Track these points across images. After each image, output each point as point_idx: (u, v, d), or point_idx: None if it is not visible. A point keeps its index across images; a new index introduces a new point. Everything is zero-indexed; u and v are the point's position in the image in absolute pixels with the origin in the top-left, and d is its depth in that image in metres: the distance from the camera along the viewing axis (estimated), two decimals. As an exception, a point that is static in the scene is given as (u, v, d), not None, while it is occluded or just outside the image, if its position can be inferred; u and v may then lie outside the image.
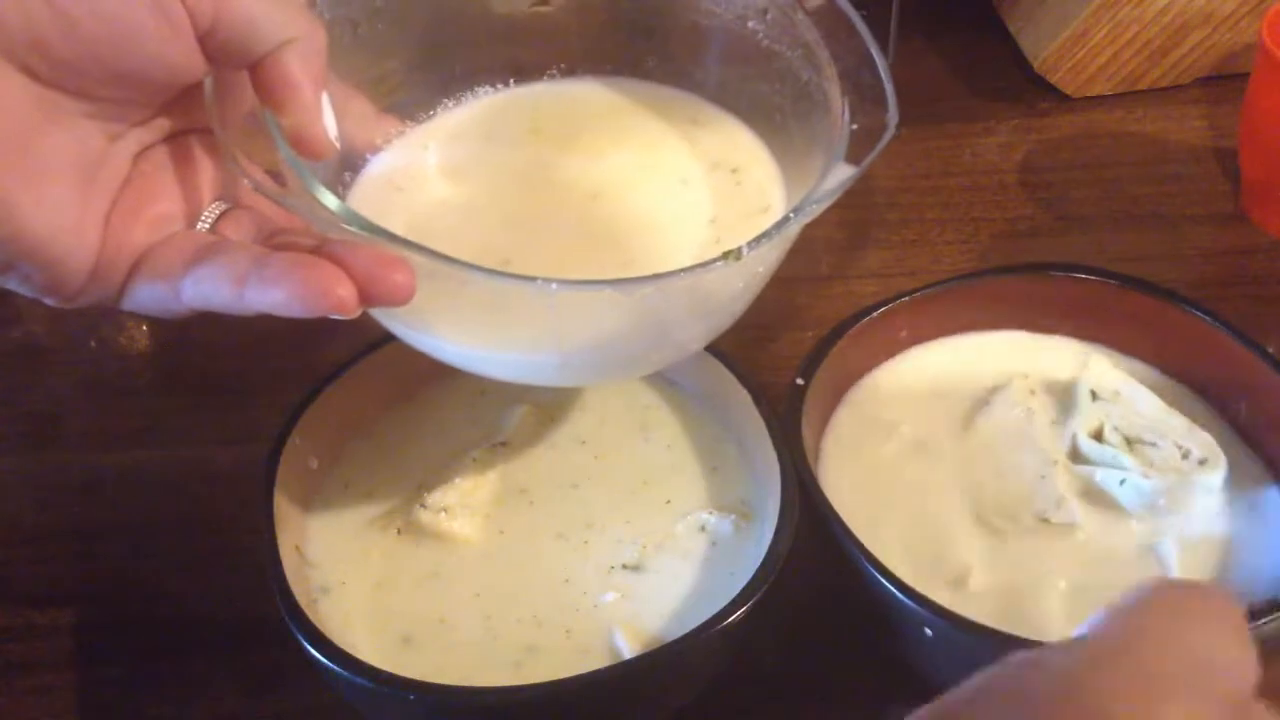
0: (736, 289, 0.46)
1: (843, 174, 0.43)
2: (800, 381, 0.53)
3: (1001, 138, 0.81)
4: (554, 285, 0.39)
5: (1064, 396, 0.56)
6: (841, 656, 0.53)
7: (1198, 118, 0.82)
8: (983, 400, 0.56)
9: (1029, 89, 0.84)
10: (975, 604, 0.48)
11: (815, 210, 0.42)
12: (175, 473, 0.63)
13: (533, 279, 0.39)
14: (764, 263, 0.45)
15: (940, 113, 0.83)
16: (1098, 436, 0.53)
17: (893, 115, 0.44)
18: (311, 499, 0.53)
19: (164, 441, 0.64)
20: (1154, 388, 0.55)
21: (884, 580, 0.45)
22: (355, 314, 0.38)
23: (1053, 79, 0.83)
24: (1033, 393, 0.56)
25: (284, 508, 0.49)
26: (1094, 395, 0.55)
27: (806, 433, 0.51)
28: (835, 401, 0.57)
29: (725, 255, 0.40)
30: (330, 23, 0.46)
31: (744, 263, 0.41)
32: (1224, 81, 0.83)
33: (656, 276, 0.41)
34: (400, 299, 0.38)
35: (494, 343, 0.45)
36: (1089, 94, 0.83)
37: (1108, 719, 0.26)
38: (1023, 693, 0.27)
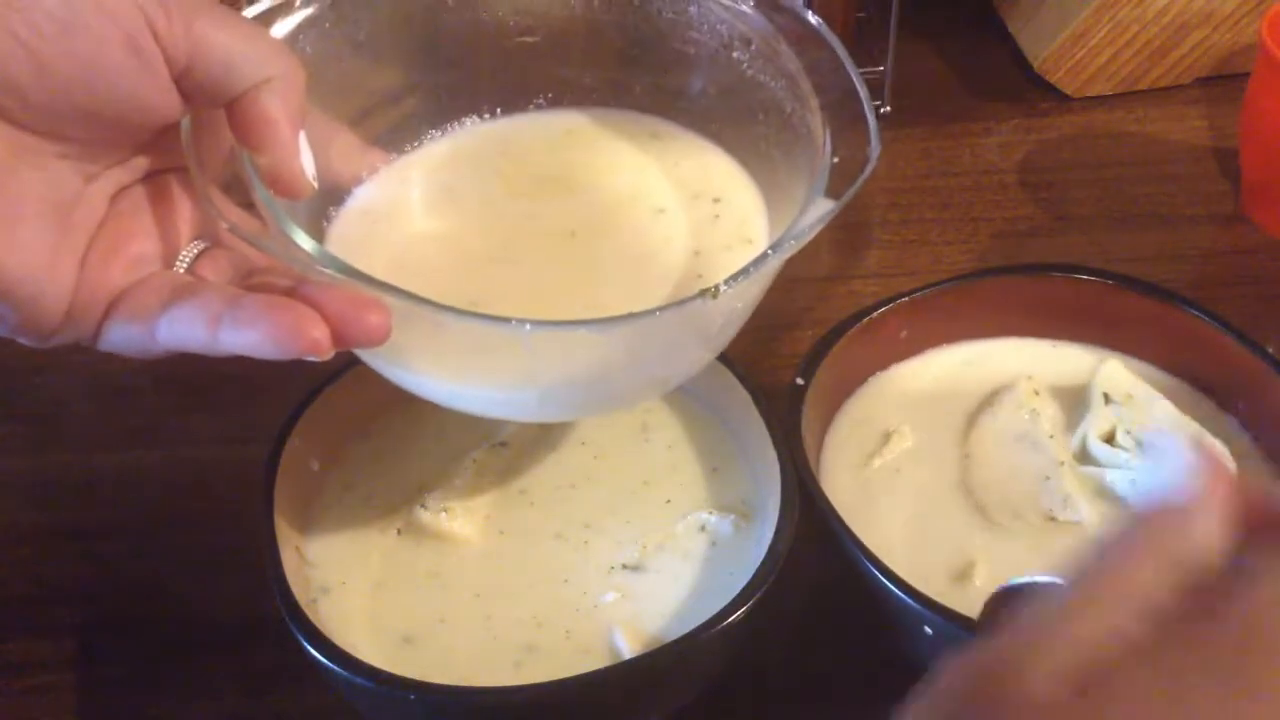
0: (716, 325, 0.45)
1: (822, 208, 0.42)
2: (800, 381, 0.53)
3: (1001, 138, 0.81)
4: (528, 326, 0.39)
5: (1070, 400, 0.56)
6: (841, 656, 0.53)
7: (1198, 118, 0.82)
8: (986, 402, 0.56)
9: (1029, 89, 0.84)
10: (980, 600, 0.48)
11: (794, 246, 0.41)
12: (175, 473, 0.63)
13: (507, 320, 0.38)
14: (743, 299, 0.44)
15: (940, 113, 0.83)
16: (1109, 440, 0.53)
17: (874, 148, 0.43)
18: (312, 499, 0.53)
19: (164, 441, 0.64)
20: (1161, 389, 0.55)
21: (883, 579, 0.45)
22: (329, 355, 0.38)
23: (1053, 79, 0.83)
24: (1037, 394, 0.56)
25: (284, 508, 0.49)
26: (1107, 398, 0.55)
27: (807, 432, 0.51)
28: (836, 401, 0.57)
29: (702, 293, 0.40)
30: (314, 57, 0.45)
31: (721, 299, 0.40)
32: (1224, 81, 0.83)
33: (631, 316, 0.40)
34: (374, 340, 0.38)
35: (473, 381, 0.45)
36: (1089, 94, 0.83)
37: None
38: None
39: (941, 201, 0.76)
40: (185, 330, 0.38)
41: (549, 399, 0.46)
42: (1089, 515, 0.51)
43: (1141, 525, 0.30)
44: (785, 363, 0.64)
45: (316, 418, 0.53)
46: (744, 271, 0.40)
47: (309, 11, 0.46)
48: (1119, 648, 0.27)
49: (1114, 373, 0.56)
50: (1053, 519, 0.51)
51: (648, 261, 0.48)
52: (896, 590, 0.45)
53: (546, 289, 0.47)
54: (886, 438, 0.55)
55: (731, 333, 0.47)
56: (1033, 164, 0.79)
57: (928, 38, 0.89)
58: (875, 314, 0.56)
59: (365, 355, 0.45)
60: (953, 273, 0.61)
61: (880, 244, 0.73)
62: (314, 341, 0.37)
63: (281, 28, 0.46)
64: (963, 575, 0.50)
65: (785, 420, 0.51)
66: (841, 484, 0.53)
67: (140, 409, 0.66)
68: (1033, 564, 0.50)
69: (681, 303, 0.40)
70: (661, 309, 0.41)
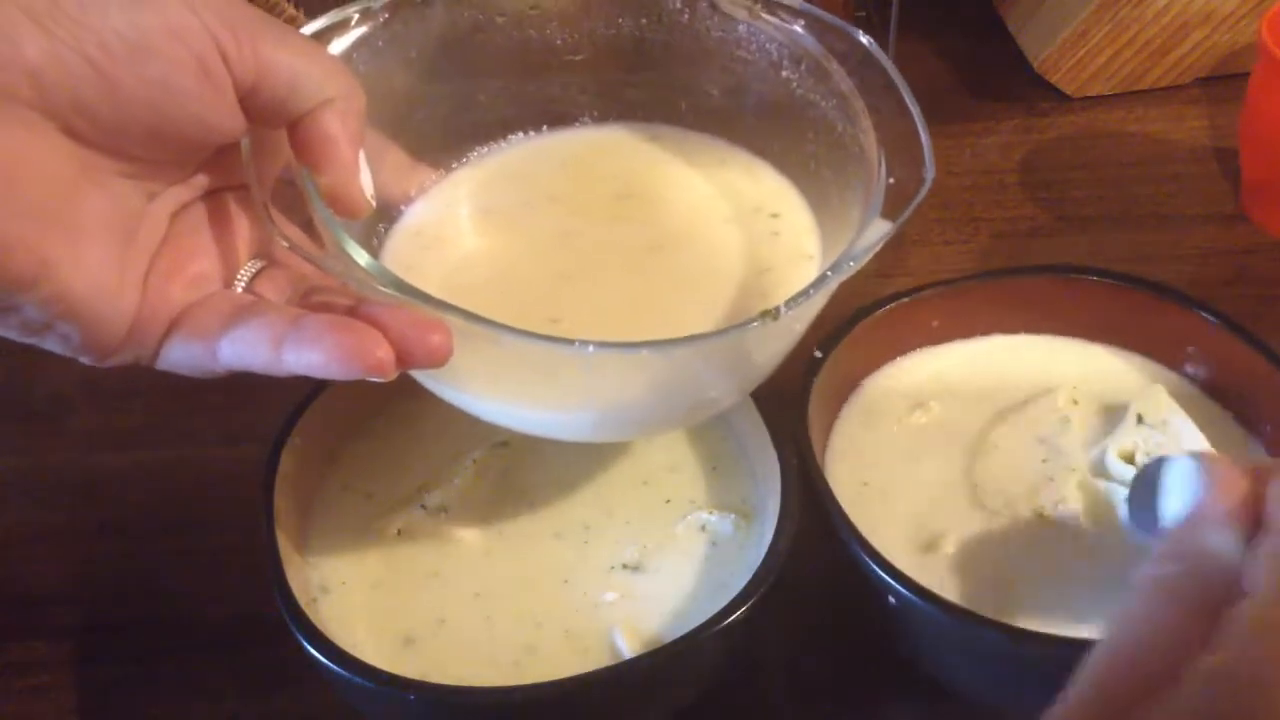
0: (774, 346, 0.45)
1: (880, 230, 0.42)
2: (819, 354, 0.53)
3: (1001, 138, 0.81)
4: (590, 347, 0.38)
5: (1109, 414, 0.55)
6: (842, 656, 0.53)
7: (1198, 118, 0.82)
8: (1021, 401, 0.56)
9: (1029, 89, 0.84)
10: (956, 578, 0.49)
11: (853, 268, 0.41)
12: (175, 473, 0.63)
13: (570, 341, 0.38)
14: (801, 320, 0.44)
15: (940, 113, 0.83)
16: (1130, 459, 0.53)
17: (929, 170, 0.43)
18: (311, 499, 0.53)
19: (164, 441, 0.64)
20: (1189, 404, 0.55)
21: (854, 545, 0.46)
22: (393, 376, 0.38)
23: (1053, 79, 0.83)
24: (1076, 403, 0.56)
25: (284, 508, 0.49)
26: (1140, 419, 0.54)
27: (814, 413, 0.51)
28: (849, 388, 0.57)
29: (763, 315, 0.40)
30: (366, 75, 0.45)
31: (783, 320, 0.40)
32: (1224, 81, 0.83)
33: (693, 338, 0.40)
34: (438, 361, 0.38)
35: (530, 401, 0.45)
36: (1089, 94, 0.83)
37: None
38: None
39: (941, 201, 0.76)
40: (248, 350, 0.38)
41: (605, 421, 0.46)
42: (1080, 519, 0.51)
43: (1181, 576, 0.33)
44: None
45: (316, 418, 0.53)
46: (804, 293, 0.40)
47: (363, 31, 0.47)
48: None
49: (1156, 397, 0.55)
50: (1040, 514, 0.51)
51: (718, 279, 0.48)
52: (865, 557, 0.45)
53: (617, 307, 0.47)
54: (910, 411, 0.55)
55: (786, 353, 0.47)
56: (1033, 164, 0.79)
57: (928, 38, 0.89)
58: (906, 299, 0.56)
59: (419, 374, 0.44)
60: (954, 273, 0.61)
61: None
62: (379, 362, 0.37)
63: (336, 46, 0.46)
64: (932, 547, 0.50)
65: (798, 395, 0.51)
66: (848, 464, 0.54)
67: (140, 409, 0.66)
68: (1009, 550, 0.50)
69: (744, 324, 0.40)
70: (725, 330, 0.41)
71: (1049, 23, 0.83)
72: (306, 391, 0.53)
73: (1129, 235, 0.73)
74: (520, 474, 0.54)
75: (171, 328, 0.39)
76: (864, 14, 0.82)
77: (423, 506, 0.52)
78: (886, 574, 0.45)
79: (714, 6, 0.50)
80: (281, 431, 0.51)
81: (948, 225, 0.75)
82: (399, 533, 0.52)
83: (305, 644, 0.44)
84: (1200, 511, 0.35)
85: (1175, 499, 0.37)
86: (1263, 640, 0.30)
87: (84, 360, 0.38)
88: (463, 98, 0.52)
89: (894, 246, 0.73)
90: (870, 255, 0.41)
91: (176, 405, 0.66)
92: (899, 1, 0.76)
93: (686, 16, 0.51)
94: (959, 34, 0.90)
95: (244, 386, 0.65)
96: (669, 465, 0.54)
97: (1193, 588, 0.33)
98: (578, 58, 0.53)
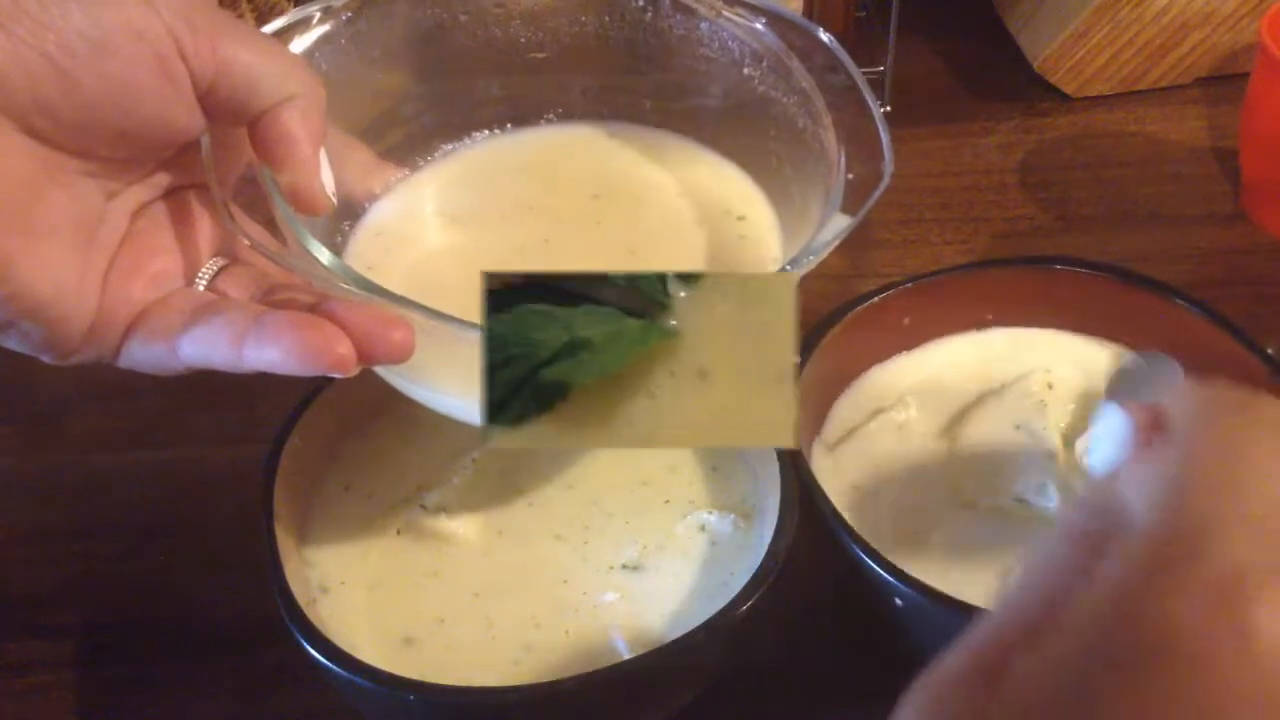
0: None
1: (839, 225, 0.42)
2: (796, 360, 0.53)
3: (1001, 138, 0.81)
4: None
5: (1085, 400, 0.56)
6: (841, 656, 0.53)
7: (1198, 118, 0.82)
8: (995, 389, 0.56)
9: (1029, 89, 0.84)
10: (937, 572, 0.49)
11: (812, 262, 0.41)
12: (175, 473, 0.63)
13: None
14: None
15: (940, 113, 0.83)
16: None
17: (888, 165, 0.44)
18: (311, 499, 0.53)
19: (164, 441, 0.64)
20: None
21: (855, 546, 0.46)
22: (354, 372, 0.38)
23: (1053, 79, 0.83)
24: (1050, 387, 0.56)
25: (284, 508, 0.49)
26: None
27: (805, 414, 0.52)
28: (839, 384, 0.57)
29: None
30: (329, 73, 0.46)
31: None
32: (1224, 81, 0.83)
33: None
34: (399, 357, 0.38)
35: None
36: (1089, 94, 0.83)
37: (1177, 638, 0.24)
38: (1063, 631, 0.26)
39: (941, 202, 0.76)
40: (209, 348, 0.38)
41: None
42: (1058, 504, 0.51)
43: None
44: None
45: (316, 418, 0.53)
46: None
47: (325, 29, 0.47)
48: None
49: None
50: (1022, 501, 0.52)
51: None
52: (866, 558, 0.46)
53: None
54: (885, 410, 0.56)
55: None
56: (1033, 164, 0.79)
57: (928, 38, 0.89)
58: (875, 300, 0.56)
59: (384, 372, 0.45)
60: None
61: (880, 244, 0.73)
62: (340, 358, 0.37)
63: (299, 44, 0.46)
64: (922, 543, 0.51)
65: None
66: (840, 464, 0.54)
67: (140, 409, 0.66)
68: (992, 542, 0.51)
69: None
70: None
71: (1049, 23, 0.83)
72: (306, 391, 0.53)
73: (1129, 235, 0.73)
74: (520, 474, 0.54)
75: (133, 326, 0.39)
76: (863, 14, 0.82)
77: (423, 506, 0.52)
78: (888, 573, 0.45)
79: (677, 3, 0.50)
80: (282, 431, 0.51)
81: (947, 226, 0.75)
82: (399, 533, 0.52)
83: (305, 644, 0.44)
84: (1124, 467, 0.32)
85: (1103, 451, 0.33)
86: (1130, 575, 0.27)
87: (45, 359, 0.38)
88: (427, 95, 0.52)
89: (894, 247, 0.73)
90: (829, 250, 0.42)
91: (176, 405, 0.66)
92: (899, 1, 0.76)
93: (650, 15, 0.51)
94: (959, 34, 0.90)
95: (244, 386, 0.65)
96: (669, 465, 0.54)
97: (1094, 533, 0.29)
98: (541, 56, 0.53)
